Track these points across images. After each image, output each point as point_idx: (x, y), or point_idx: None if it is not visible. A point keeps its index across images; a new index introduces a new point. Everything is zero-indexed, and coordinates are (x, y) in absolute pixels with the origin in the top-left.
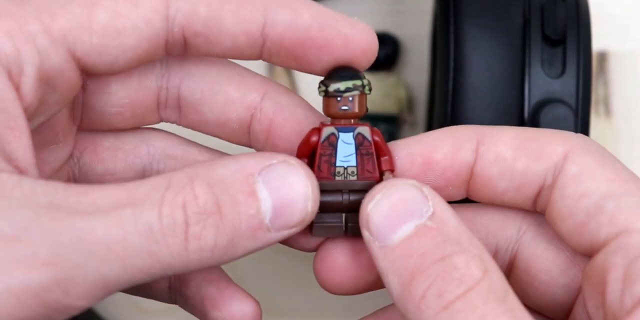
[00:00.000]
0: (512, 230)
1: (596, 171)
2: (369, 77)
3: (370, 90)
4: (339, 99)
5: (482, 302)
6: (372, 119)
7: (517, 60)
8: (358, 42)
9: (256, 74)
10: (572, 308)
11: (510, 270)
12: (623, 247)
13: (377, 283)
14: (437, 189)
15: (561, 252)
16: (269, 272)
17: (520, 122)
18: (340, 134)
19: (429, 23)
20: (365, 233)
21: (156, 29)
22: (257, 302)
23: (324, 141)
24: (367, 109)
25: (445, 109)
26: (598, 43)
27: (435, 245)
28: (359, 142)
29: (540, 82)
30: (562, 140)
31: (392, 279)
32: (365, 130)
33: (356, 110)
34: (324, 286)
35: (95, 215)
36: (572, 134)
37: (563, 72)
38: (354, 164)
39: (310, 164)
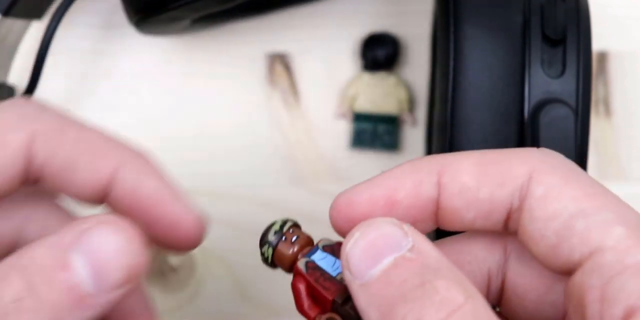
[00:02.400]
0: (499, 254)
1: (562, 190)
2: (368, 77)
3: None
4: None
5: None
6: (372, 120)
7: (517, 60)
8: (184, 226)
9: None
10: None
11: (502, 293)
12: (597, 267)
13: None
14: None
15: (545, 271)
16: (269, 272)
17: (520, 122)
18: (312, 256)
19: (429, 23)
20: (345, 273)
21: (17, 168)
22: None
23: (307, 271)
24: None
25: (445, 109)
26: (598, 43)
27: (415, 272)
28: (331, 251)
29: (540, 82)
30: (525, 160)
31: (372, 315)
32: (325, 242)
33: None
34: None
35: None
36: (533, 150)
37: (563, 72)
38: None
39: (321, 298)
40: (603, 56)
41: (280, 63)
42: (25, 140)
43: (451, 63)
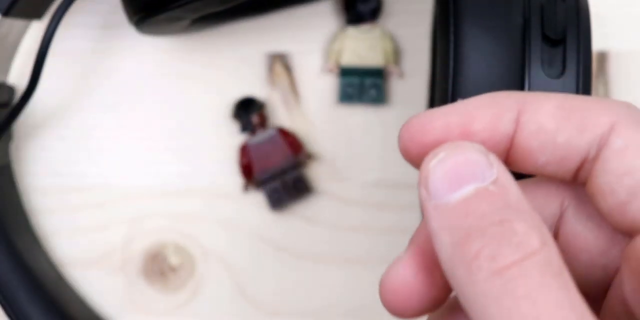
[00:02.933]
0: (554, 207)
1: None
2: (353, 31)
3: None
4: None
5: (539, 273)
6: (358, 73)
7: (516, 60)
8: None
9: None
10: (608, 290)
11: None
12: None
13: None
14: None
15: (602, 232)
16: (269, 272)
17: None
18: None
19: (429, 23)
20: (421, 191)
21: None
22: None
23: None
24: None
25: None
26: (598, 43)
27: (496, 208)
28: None
29: (540, 82)
30: (609, 110)
31: (443, 239)
32: None
33: None
34: (391, 310)
35: None
36: (620, 102)
37: (563, 72)
38: None
39: None
40: (603, 56)
41: (280, 63)
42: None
43: (451, 63)
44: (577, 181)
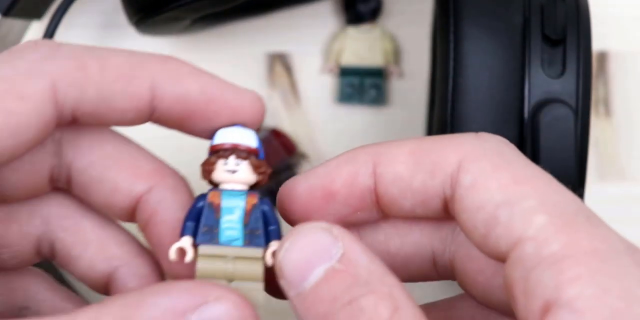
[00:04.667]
0: (446, 231)
1: (489, 177)
2: (353, 31)
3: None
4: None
5: None
6: (358, 73)
7: (517, 60)
8: (246, 112)
9: (151, 158)
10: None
11: (454, 272)
12: (519, 258)
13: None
14: (346, 216)
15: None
16: None
17: (520, 122)
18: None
19: (429, 23)
20: (282, 282)
21: (47, 118)
22: None
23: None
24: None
25: (445, 109)
26: (598, 43)
27: (344, 288)
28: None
29: (540, 82)
30: (456, 147)
31: None
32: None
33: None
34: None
35: None
36: (468, 136)
37: (563, 72)
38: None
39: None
40: (603, 56)
41: (280, 63)
42: (47, 88)
43: (451, 63)
44: (450, 219)
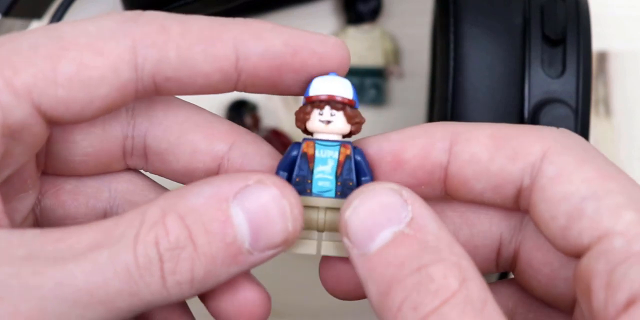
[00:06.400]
0: (515, 220)
1: (575, 171)
2: (353, 30)
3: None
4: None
5: (457, 314)
6: (358, 73)
7: (517, 60)
8: (332, 58)
9: (224, 121)
10: (575, 302)
11: (515, 262)
12: (604, 252)
13: None
14: (410, 187)
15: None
16: (269, 272)
17: (520, 122)
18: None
19: (429, 23)
20: (345, 240)
21: (124, 79)
22: None
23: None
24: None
25: (445, 109)
26: (598, 43)
27: (413, 254)
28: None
29: (540, 82)
30: (540, 137)
31: (371, 288)
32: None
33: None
34: (332, 294)
35: (74, 261)
36: (551, 129)
37: (563, 72)
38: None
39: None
40: (603, 56)
41: None
42: (127, 48)
43: (451, 63)
44: (519, 208)
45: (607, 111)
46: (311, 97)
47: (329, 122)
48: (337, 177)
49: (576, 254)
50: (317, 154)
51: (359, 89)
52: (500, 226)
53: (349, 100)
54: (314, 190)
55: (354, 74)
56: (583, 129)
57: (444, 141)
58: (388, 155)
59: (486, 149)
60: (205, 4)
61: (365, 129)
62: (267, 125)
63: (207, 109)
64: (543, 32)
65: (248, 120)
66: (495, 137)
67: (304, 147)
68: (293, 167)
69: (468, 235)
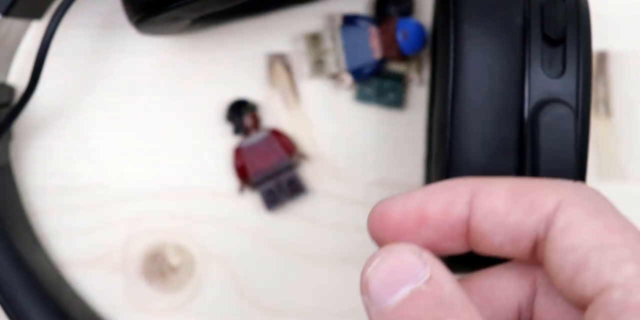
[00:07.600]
0: (528, 287)
1: (585, 223)
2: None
3: None
4: None
5: None
6: (379, 75)
7: (517, 60)
8: None
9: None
10: None
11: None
12: (604, 304)
13: None
14: (434, 243)
15: (569, 306)
16: (269, 272)
17: (520, 122)
18: None
19: (429, 23)
20: (364, 298)
21: None
22: None
23: None
24: None
25: (445, 109)
26: (598, 43)
27: (429, 309)
28: None
29: (540, 82)
30: (555, 189)
31: None
32: None
33: None
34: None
35: None
36: (567, 183)
37: (563, 72)
38: None
39: None
40: (603, 56)
41: (280, 63)
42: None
43: (451, 63)
44: (536, 260)
45: (607, 111)
46: None
47: None
48: None
49: (582, 306)
50: None
51: (378, 90)
52: (516, 295)
53: None
54: None
55: (374, 78)
56: (583, 129)
57: (465, 196)
58: (412, 213)
59: (504, 203)
60: (205, 4)
61: (365, 128)
62: (267, 125)
63: (207, 109)
64: (543, 32)
65: (248, 120)
66: (513, 190)
67: None
68: None
69: (490, 314)
